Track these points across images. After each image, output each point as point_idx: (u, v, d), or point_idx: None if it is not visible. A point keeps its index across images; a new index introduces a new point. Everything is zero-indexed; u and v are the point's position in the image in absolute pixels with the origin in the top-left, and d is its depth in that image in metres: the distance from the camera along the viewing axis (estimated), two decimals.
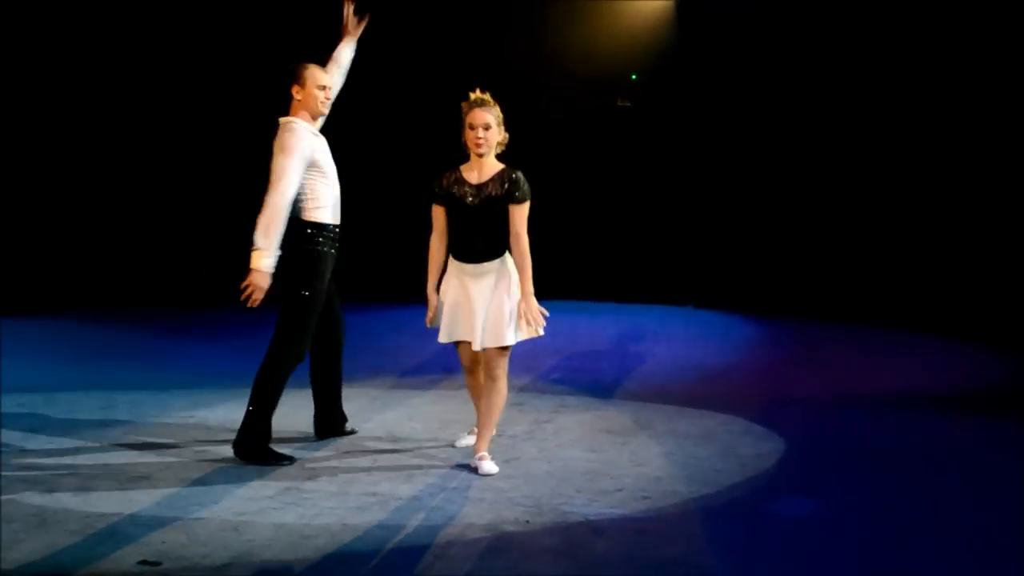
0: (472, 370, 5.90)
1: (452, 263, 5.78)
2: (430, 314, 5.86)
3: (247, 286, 5.43)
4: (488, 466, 5.61)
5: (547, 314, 5.70)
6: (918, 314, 12.77)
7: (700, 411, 7.42)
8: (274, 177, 5.55)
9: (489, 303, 5.64)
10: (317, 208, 5.72)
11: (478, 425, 5.86)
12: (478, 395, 5.87)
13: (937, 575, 4.26)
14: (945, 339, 11.62)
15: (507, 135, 5.83)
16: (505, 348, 5.68)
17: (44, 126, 13.19)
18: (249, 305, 5.45)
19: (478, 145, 5.68)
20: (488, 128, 5.70)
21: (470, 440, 6.07)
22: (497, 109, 5.79)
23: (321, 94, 5.85)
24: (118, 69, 13.54)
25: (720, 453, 6.19)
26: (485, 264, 5.68)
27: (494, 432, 5.91)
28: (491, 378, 5.69)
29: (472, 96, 5.80)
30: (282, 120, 5.79)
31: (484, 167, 5.71)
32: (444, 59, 15.21)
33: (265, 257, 5.44)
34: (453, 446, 6.18)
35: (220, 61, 13.98)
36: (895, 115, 13.81)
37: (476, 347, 5.64)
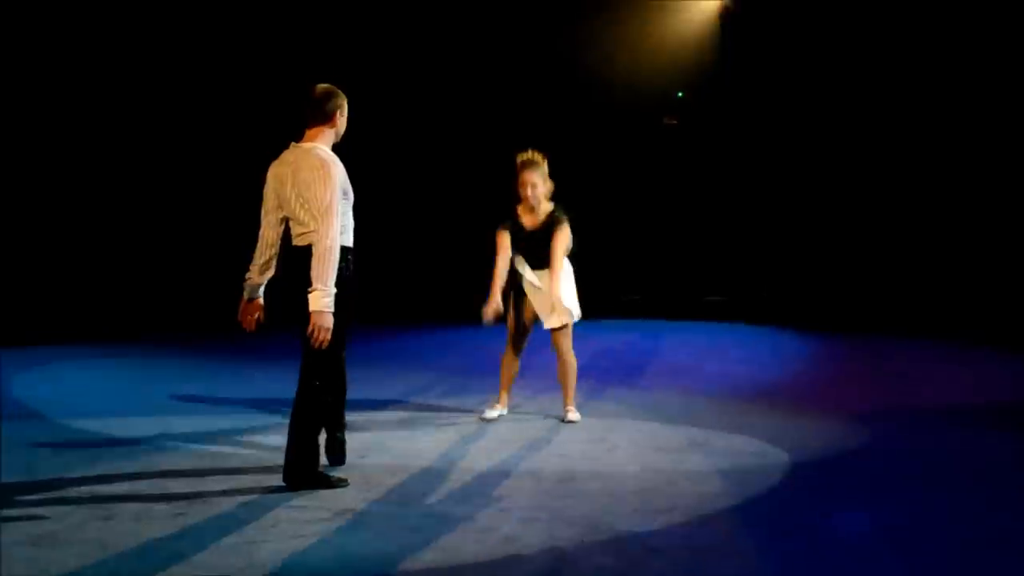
0: (513, 353, 7.60)
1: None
2: (491, 307, 7.16)
3: (312, 331, 5.33)
4: (574, 415, 7.54)
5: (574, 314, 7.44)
6: (969, 326, 12.64)
7: (755, 428, 7.37)
8: (325, 213, 5.41)
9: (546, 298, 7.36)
10: (342, 233, 5.57)
11: (563, 389, 7.61)
12: (509, 375, 7.65)
13: None
14: (1006, 351, 11.50)
15: (552, 184, 7.45)
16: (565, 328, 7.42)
17: (97, 163, 13.45)
18: (318, 348, 5.37)
19: (527, 199, 7.37)
20: (535, 187, 7.33)
21: (493, 413, 7.60)
22: (544, 166, 7.40)
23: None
24: (150, 97, 13.78)
25: (776, 470, 6.14)
26: (539, 271, 7.44)
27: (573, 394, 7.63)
28: (560, 355, 7.45)
29: (521, 157, 7.36)
30: (317, 150, 5.60)
31: (536, 214, 7.42)
32: (496, 76, 15.33)
33: (324, 296, 5.34)
34: (483, 419, 7.53)
35: (237, 79, 14.16)
36: (950, 132, 13.73)
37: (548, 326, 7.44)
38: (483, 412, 7.70)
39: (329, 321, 5.37)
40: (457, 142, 15.60)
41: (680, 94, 15.52)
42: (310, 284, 5.39)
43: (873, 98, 14.26)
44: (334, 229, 5.44)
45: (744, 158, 15.10)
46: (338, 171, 5.55)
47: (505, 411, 7.75)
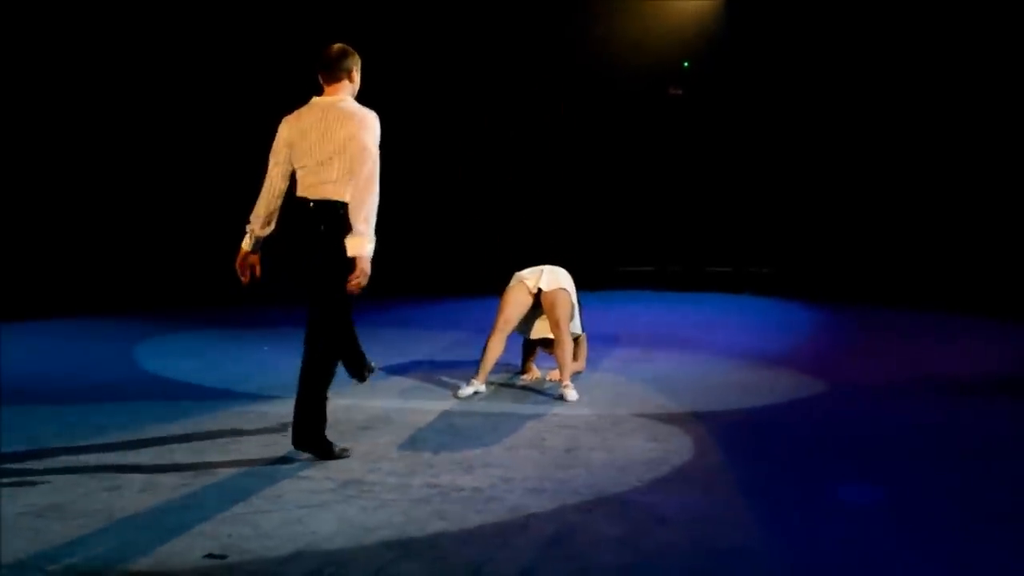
0: (501, 331, 7.53)
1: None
2: None
3: (356, 277, 5.29)
4: (572, 393, 7.26)
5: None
6: (973, 298, 12.64)
7: (761, 398, 7.38)
8: (370, 164, 5.37)
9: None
10: None
11: (559, 367, 7.46)
12: (493, 354, 7.50)
13: (1004, 563, 4.18)
14: (1009, 323, 11.49)
15: None
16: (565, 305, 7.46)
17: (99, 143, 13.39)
18: (355, 292, 5.35)
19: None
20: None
21: (469, 390, 7.37)
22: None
23: None
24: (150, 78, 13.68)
25: (783, 440, 6.14)
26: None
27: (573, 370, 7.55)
28: (554, 326, 7.49)
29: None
30: (346, 102, 5.57)
31: None
32: (503, 46, 15.27)
33: (368, 243, 5.31)
34: (456, 396, 7.31)
35: (233, 56, 14.06)
36: (954, 104, 13.68)
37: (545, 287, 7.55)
38: (459, 388, 7.52)
39: (369, 267, 5.35)
40: (465, 113, 15.54)
41: (686, 64, 15.44)
42: (320, 240, 5.36)
43: (882, 67, 14.18)
44: (377, 183, 5.40)
45: (749, 128, 15.04)
46: (377, 126, 5.52)
47: (483, 388, 7.54)
